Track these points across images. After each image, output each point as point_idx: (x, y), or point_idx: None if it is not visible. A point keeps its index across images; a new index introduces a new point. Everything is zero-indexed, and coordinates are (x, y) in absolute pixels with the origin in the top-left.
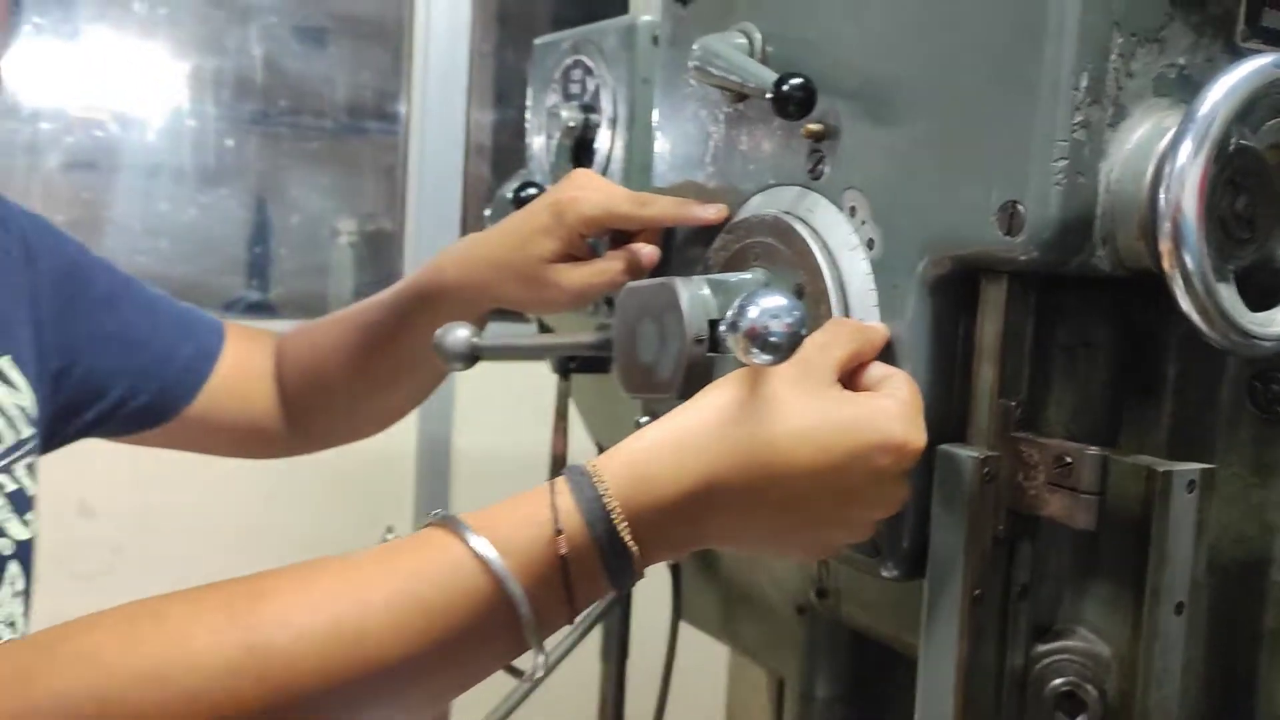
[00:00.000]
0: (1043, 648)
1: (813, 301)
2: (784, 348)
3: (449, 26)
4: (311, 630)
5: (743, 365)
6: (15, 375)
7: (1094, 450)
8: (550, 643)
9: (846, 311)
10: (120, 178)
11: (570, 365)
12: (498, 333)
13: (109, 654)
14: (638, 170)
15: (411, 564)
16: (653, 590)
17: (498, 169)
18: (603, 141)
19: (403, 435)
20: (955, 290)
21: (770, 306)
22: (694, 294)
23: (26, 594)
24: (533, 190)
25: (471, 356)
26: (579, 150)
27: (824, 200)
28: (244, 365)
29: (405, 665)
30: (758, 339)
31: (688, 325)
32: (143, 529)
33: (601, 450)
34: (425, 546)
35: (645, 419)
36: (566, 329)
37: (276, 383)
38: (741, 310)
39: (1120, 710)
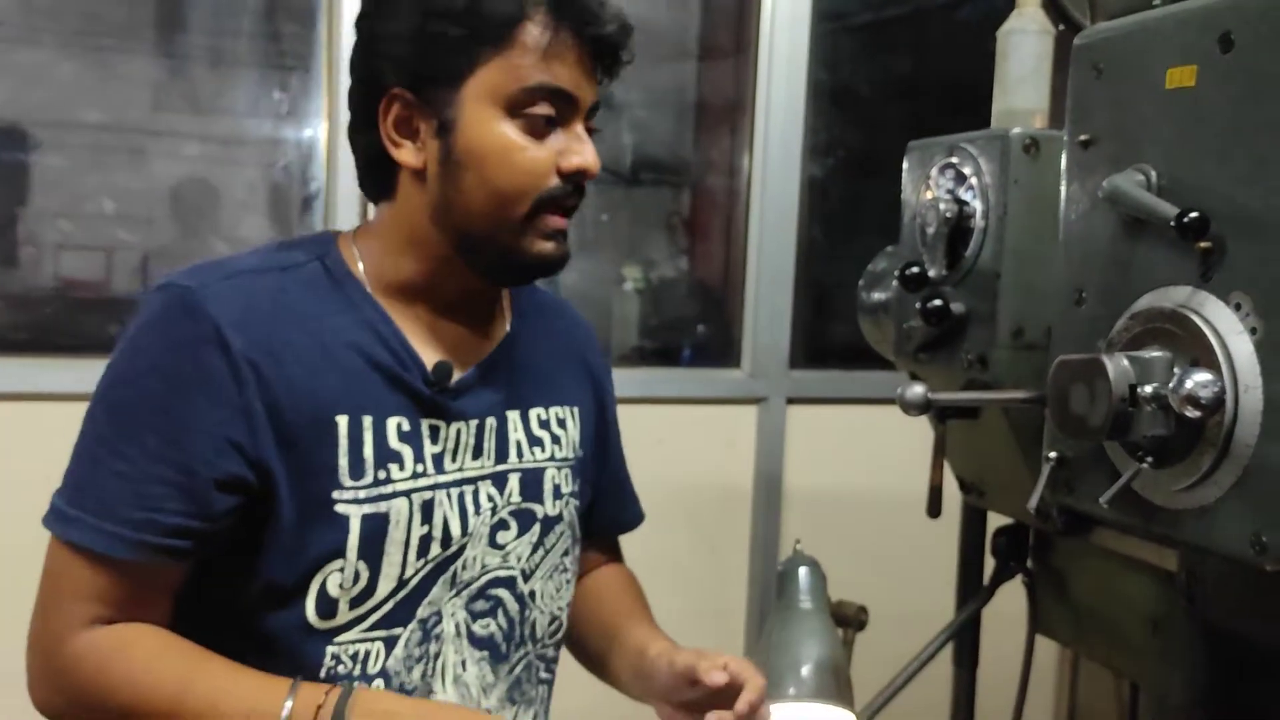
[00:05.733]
0: None
1: None
2: (1210, 407)
3: (787, 97)
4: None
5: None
6: (572, 423)
7: None
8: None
9: (1235, 378)
10: None
11: (948, 412)
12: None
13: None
14: (1009, 253)
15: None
16: (1000, 604)
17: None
18: (978, 227)
19: (741, 471)
20: None
21: (1201, 379)
22: (1118, 366)
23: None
24: (915, 270)
25: (927, 405)
26: (952, 235)
27: (1213, 298)
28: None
29: None
30: (1192, 400)
31: (1114, 388)
32: None
33: (962, 483)
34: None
35: (1053, 454)
36: (933, 381)
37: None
38: (1181, 380)
39: None
